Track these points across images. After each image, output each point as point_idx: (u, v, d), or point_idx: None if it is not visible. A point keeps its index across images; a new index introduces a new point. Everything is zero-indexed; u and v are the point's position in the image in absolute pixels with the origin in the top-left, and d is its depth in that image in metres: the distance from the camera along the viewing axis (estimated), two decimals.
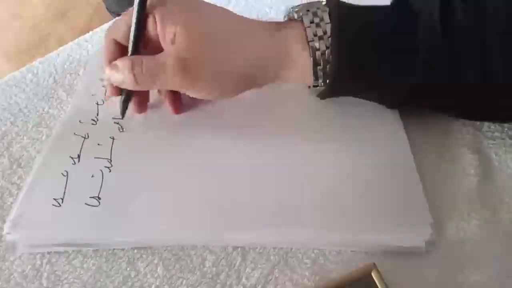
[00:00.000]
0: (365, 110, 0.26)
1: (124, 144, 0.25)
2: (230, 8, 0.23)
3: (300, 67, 0.23)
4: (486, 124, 0.25)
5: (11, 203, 0.24)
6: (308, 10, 0.22)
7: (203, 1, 0.23)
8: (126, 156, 0.24)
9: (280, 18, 0.25)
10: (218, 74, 0.22)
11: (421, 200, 0.21)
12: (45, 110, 0.29)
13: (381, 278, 0.17)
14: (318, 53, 0.21)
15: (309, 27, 0.22)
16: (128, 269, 0.21)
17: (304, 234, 0.21)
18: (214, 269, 0.20)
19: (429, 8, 0.21)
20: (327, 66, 0.22)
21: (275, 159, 0.24)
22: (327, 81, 0.22)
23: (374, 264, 0.18)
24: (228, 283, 0.20)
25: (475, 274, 0.19)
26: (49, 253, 0.21)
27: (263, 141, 0.25)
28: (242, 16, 0.23)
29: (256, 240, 0.21)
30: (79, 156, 0.24)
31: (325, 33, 0.21)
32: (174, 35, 0.21)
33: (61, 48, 0.34)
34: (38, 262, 0.21)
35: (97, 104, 0.28)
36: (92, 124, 0.26)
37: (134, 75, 0.22)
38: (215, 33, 0.22)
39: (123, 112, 0.25)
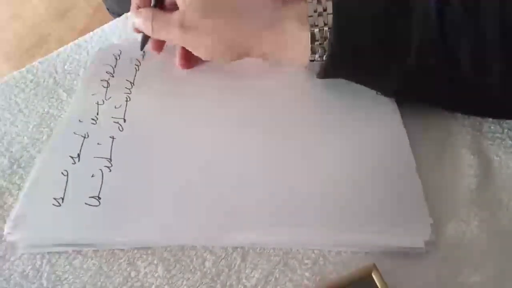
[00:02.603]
0: (365, 111, 0.26)
1: (124, 143, 0.25)
2: None
3: (298, 43, 0.24)
4: (486, 124, 0.25)
5: (12, 203, 0.24)
6: None
7: None
8: (126, 156, 0.24)
9: None
10: (213, 36, 0.25)
11: (421, 201, 0.21)
12: (45, 110, 0.29)
13: (381, 278, 0.18)
14: (316, 29, 0.23)
15: (310, 2, 0.23)
16: (128, 269, 0.21)
17: (304, 235, 0.21)
18: (214, 269, 0.20)
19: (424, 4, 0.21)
20: (325, 42, 0.23)
21: (275, 160, 0.24)
22: (324, 56, 0.23)
23: (374, 264, 0.18)
24: (228, 283, 0.20)
25: (475, 274, 0.19)
26: (49, 253, 0.21)
27: (263, 142, 0.25)
28: None
29: (256, 240, 0.21)
30: (79, 156, 0.24)
31: (325, 9, 0.22)
32: None
33: (61, 48, 0.34)
34: (38, 262, 0.21)
35: (97, 104, 0.28)
36: (92, 123, 0.26)
37: (152, 25, 0.26)
38: (220, 0, 0.24)
39: (142, 47, 0.29)
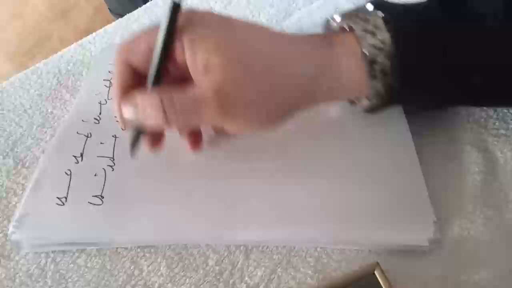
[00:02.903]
0: None
1: (126, 142, 0.25)
2: (231, 7, 0.23)
3: (354, 85, 0.20)
4: (491, 121, 0.25)
5: (16, 203, 0.24)
6: (357, 17, 0.20)
7: (237, 20, 0.20)
8: (129, 155, 0.24)
9: (280, 16, 0.24)
10: (261, 102, 0.19)
11: (425, 198, 0.21)
12: (49, 111, 0.29)
13: (384, 276, 0.17)
14: (375, 66, 0.19)
15: (363, 37, 0.19)
16: (131, 267, 0.21)
17: (307, 233, 0.21)
18: (217, 267, 0.21)
19: (493, 14, 0.19)
20: (385, 77, 0.19)
21: (278, 158, 0.24)
22: (383, 94, 0.20)
23: (377, 262, 0.18)
24: (231, 281, 0.20)
25: (479, 272, 0.19)
26: (53, 252, 0.22)
27: (266, 140, 0.25)
28: (283, 33, 0.20)
29: (259, 238, 0.21)
30: (82, 155, 0.24)
31: (382, 42, 0.19)
32: (207, 63, 0.18)
33: (64, 49, 0.34)
34: (43, 261, 0.21)
35: (100, 103, 0.28)
36: (95, 123, 0.27)
37: (165, 114, 0.18)
38: (255, 58, 0.19)
39: (134, 150, 0.21)
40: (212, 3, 0.36)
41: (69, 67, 0.32)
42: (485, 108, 0.26)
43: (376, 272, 0.18)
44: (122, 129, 0.24)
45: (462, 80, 0.20)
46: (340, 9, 0.22)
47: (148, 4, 0.38)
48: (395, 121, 0.25)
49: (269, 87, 0.19)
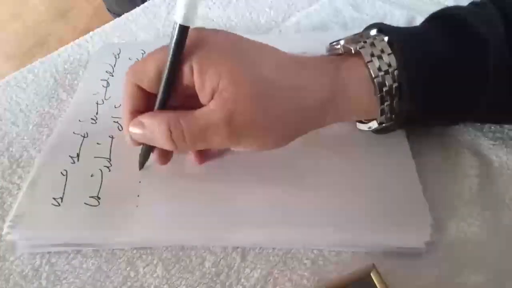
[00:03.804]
0: None
1: (123, 143, 0.25)
2: (230, 8, 0.23)
3: (365, 108, 0.20)
4: (487, 125, 0.25)
5: (11, 203, 0.24)
6: (364, 42, 0.20)
7: (248, 40, 0.20)
8: (126, 155, 0.24)
9: (279, 18, 0.24)
10: (272, 128, 0.19)
11: (421, 201, 0.21)
12: (46, 110, 0.29)
13: (380, 278, 0.17)
14: (385, 90, 0.19)
15: (370, 61, 0.19)
16: (127, 269, 0.21)
17: (303, 235, 0.21)
18: (213, 269, 0.20)
19: (495, 34, 0.19)
20: (394, 101, 0.20)
21: (274, 159, 0.24)
22: (392, 116, 0.20)
23: (373, 264, 0.18)
24: (227, 283, 0.20)
25: (475, 275, 0.19)
26: (48, 253, 0.21)
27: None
28: (292, 57, 0.20)
29: (255, 240, 0.21)
30: (78, 156, 0.24)
31: (389, 66, 0.19)
32: (217, 86, 0.18)
33: (61, 48, 0.34)
34: (38, 262, 0.21)
35: (97, 103, 0.28)
36: (92, 123, 0.26)
37: (172, 140, 0.18)
38: (266, 81, 0.18)
39: (142, 164, 0.22)
40: (210, 4, 0.36)
41: (66, 66, 0.32)
42: None
43: (372, 274, 0.18)
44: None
45: (467, 100, 0.20)
46: (339, 15, 0.23)
47: (146, 4, 0.38)
48: None
49: (279, 114, 0.19)
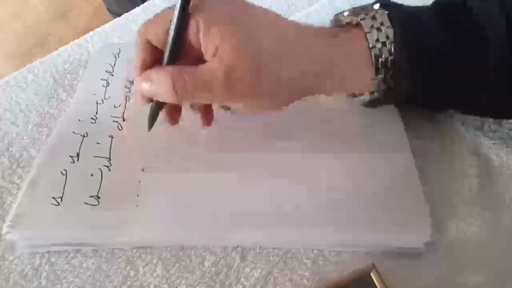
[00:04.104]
0: (365, 113, 0.26)
1: (123, 142, 0.25)
2: None
3: (358, 77, 0.21)
4: (487, 124, 0.25)
5: (11, 202, 0.24)
6: (365, 14, 0.21)
7: (253, 5, 0.20)
8: (125, 155, 0.24)
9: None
10: (270, 87, 0.20)
11: (421, 201, 0.21)
12: (45, 110, 0.29)
13: (380, 278, 0.17)
14: (381, 60, 0.20)
15: (369, 32, 0.20)
16: (127, 268, 0.21)
17: (303, 235, 0.21)
18: (213, 269, 0.20)
19: (496, 33, 0.20)
20: (388, 75, 0.20)
21: (275, 160, 0.24)
22: (384, 88, 0.21)
23: (373, 264, 0.18)
24: (227, 283, 0.20)
25: (475, 275, 0.19)
26: (48, 252, 0.21)
27: (264, 141, 0.25)
28: (295, 22, 0.21)
29: (255, 240, 0.21)
30: (78, 155, 0.24)
31: (387, 38, 0.20)
32: (220, 46, 0.19)
33: (61, 48, 0.34)
34: (38, 261, 0.21)
35: (97, 103, 0.28)
36: (92, 123, 0.26)
37: (175, 90, 0.19)
38: (267, 41, 0.19)
39: (151, 125, 0.22)
40: None
41: (66, 66, 0.32)
42: None
43: (372, 274, 0.18)
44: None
45: (467, 92, 0.21)
46: (341, 9, 0.23)
47: (146, 4, 0.38)
48: (391, 124, 0.25)
49: (276, 77, 0.20)
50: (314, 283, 0.20)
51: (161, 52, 0.20)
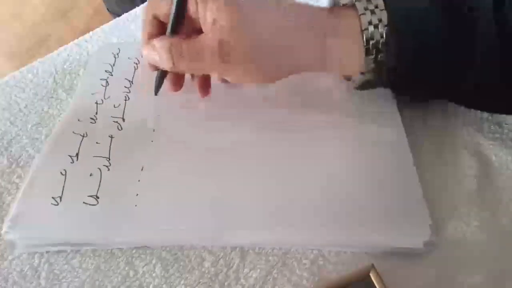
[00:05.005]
0: (365, 113, 0.26)
1: (122, 142, 0.25)
2: None
3: (350, 57, 0.22)
4: (486, 125, 0.25)
5: (10, 202, 0.24)
6: None
7: None
8: (125, 155, 0.24)
9: None
10: (260, 61, 0.21)
11: (420, 201, 0.21)
12: (45, 110, 0.29)
13: (379, 278, 0.17)
14: (372, 42, 0.21)
15: (363, 14, 0.21)
16: (126, 268, 0.21)
17: (303, 235, 0.21)
18: (212, 269, 0.20)
19: (483, 9, 0.20)
20: (379, 57, 0.21)
21: (274, 160, 0.24)
22: (375, 70, 0.22)
23: (372, 264, 0.18)
24: (226, 283, 0.20)
25: (474, 275, 0.19)
26: (47, 252, 0.21)
27: (262, 141, 0.25)
28: (290, 1, 0.22)
29: (255, 240, 0.21)
30: (77, 155, 0.24)
31: (380, 21, 0.20)
32: (216, 18, 0.20)
33: (61, 48, 0.34)
34: (37, 261, 0.21)
35: (96, 103, 0.28)
36: (91, 122, 0.26)
37: (172, 57, 0.21)
38: (260, 17, 0.21)
39: (157, 89, 0.25)
40: None
41: (65, 66, 0.32)
42: (480, 111, 0.26)
43: (371, 274, 0.18)
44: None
45: (454, 70, 0.21)
46: None
47: (146, 3, 0.38)
48: (390, 124, 0.25)
49: (268, 49, 0.21)
50: (314, 284, 0.20)
51: (166, 26, 0.23)
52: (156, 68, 0.25)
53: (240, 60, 0.21)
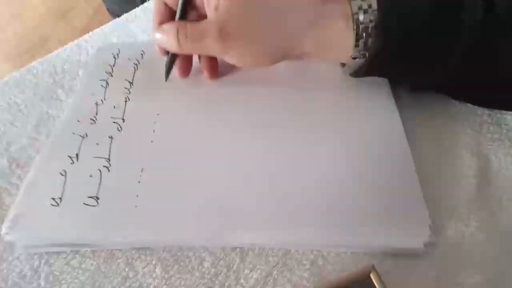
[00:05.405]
0: (364, 112, 0.26)
1: (122, 143, 0.25)
2: None
3: (341, 42, 0.23)
4: (485, 125, 0.25)
5: (10, 203, 0.24)
6: None
7: None
8: (125, 156, 0.24)
9: None
10: (255, 44, 0.23)
11: (420, 202, 0.21)
12: (45, 110, 0.29)
13: (379, 279, 0.17)
14: (362, 27, 0.22)
15: (354, 0, 0.22)
16: (126, 269, 0.21)
17: (303, 235, 0.21)
18: (212, 270, 0.20)
19: None
20: (369, 40, 0.22)
21: (273, 160, 0.24)
22: (367, 56, 0.22)
23: (372, 265, 0.18)
24: (226, 284, 0.20)
25: (474, 275, 0.19)
26: (47, 253, 0.21)
27: (261, 141, 0.25)
28: None
29: (255, 241, 0.21)
30: (77, 156, 0.24)
31: (369, 6, 0.21)
32: (218, 3, 0.22)
33: (60, 48, 0.34)
34: (36, 262, 0.21)
35: (96, 104, 0.28)
36: (91, 123, 0.26)
37: (178, 39, 0.24)
38: (259, 2, 0.23)
39: (167, 74, 0.27)
40: None
41: (65, 67, 0.32)
42: (479, 112, 0.26)
43: (371, 275, 0.18)
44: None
45: (441, 45, 0.21)
46: None
47: (146, 4, 0.38)
48: (389, 124, 0.25)
49: (265, 31, 0.23)
50: (314, 284, 0.20)
51: (175, 14, 0.25)
52: (165, 52, 0.27)
53: (239, 42, 0.23)
